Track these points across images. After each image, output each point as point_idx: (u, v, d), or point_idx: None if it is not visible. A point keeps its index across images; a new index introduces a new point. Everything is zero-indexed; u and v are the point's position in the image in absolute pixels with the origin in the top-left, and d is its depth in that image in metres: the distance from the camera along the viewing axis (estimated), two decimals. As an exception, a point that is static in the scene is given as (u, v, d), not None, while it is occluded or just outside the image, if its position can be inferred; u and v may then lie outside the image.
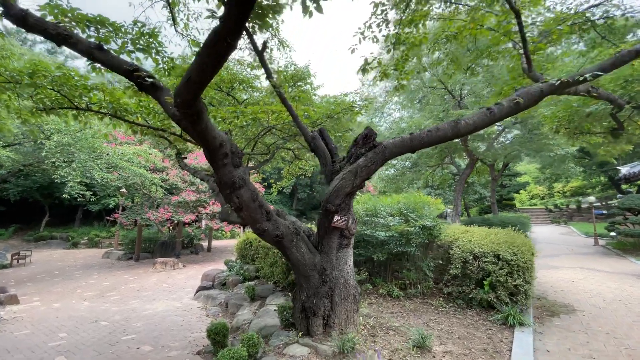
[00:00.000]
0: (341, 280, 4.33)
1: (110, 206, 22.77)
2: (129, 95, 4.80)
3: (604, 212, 25.38)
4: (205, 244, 20.08)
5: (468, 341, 4.11)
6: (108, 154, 12.45)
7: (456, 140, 18.38)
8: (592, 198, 17.54)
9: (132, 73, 3.52)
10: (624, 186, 26.11)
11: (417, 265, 6.00)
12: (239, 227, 17.10)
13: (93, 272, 13.24)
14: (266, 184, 31.03)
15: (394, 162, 18.76)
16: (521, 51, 5.86)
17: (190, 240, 18.30)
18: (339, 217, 4.22)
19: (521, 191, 43.80)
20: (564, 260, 11.76)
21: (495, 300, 5.03)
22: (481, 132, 14.75)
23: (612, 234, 18.62)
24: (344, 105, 6.72)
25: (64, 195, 10.52)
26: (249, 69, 8.11)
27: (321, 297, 4.19)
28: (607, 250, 14.74)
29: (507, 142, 17.59)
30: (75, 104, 5.30)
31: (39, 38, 28.06)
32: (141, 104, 5.48)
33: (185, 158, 9.20)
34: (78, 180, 10.62)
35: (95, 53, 3.48)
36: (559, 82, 3.90)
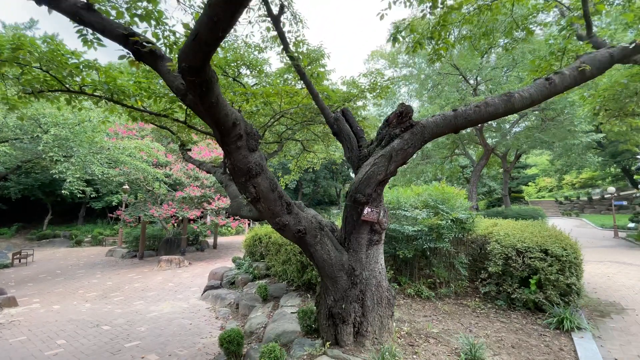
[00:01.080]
0: (373, 281, 3.76)
1: (114, 203, 22.44)
2: (126, 71, 4.21)
3: (624, 202, 24.58)
4: (210, 240, 19.61)
5: (524, 351, 3.53)
6: (109, 148, 11.92)
7: (469, 129, 17.61)
8: (611, 189, 16.82)
9: (127, 38, 2.94)
10: (636, 177, 25.30)
11: (449, 263, 5.42)
12: (245, 223, 16.59)
13: (96, 271, 12.79)
14: (271, 179, 30.47)
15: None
16: (563, 22, 5.22)
17: (196, 237, 17.82)
18: (369, 209, 3.64)
19: (530, 183, 42.99)
20: (589, 253, 11.13)
21: (544, 301, 4.44)
22: (495, 122, 13.98)
23: (631, 225, 17.93)
24: (360, 88, 6.11)
25: (63, 192, 10.03)
26: (256, 52, 7.50)
27: (351, 302, 3.63)
28: (630, 242, 14.08)
29: (519, 130, 16.93)
30: (67, 86, 4.72)
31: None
32: (141, 85, 4.90)
33: (190, 150, 8.66)
34: (77, 175, 10.10)
35: (82, 14, 2.89)
36: (633, 45, 3.28)
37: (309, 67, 6.13)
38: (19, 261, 15.04)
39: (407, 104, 3.70)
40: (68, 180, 9.89)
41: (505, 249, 4.81)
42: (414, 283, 5.58)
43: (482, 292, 5.07)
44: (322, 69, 6.91)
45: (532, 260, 4.53)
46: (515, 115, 14.07)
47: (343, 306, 3.60)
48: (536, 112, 14.26)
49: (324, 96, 5.40)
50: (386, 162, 3.54)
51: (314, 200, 41.97)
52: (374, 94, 6.10)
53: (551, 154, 34.32)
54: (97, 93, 4.83)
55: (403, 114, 3.63)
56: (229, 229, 21.93)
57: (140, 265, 13.84)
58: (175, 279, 10.90)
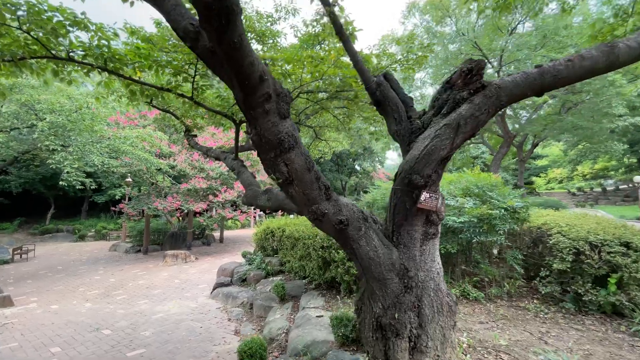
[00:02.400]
0: (430, 284, 3.02)
1: (117, 197, 21.76)
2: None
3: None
4: (216, 234, 19.00)
5: (628, 371, 2.79)
6: (109, 138, 11.21)
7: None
8: (638, 178, 15.91)
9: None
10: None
11: (500, 259, 4.68)
12: (254, 216, 15.92)
13: (99, 267, 12.19)
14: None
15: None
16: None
17: (202, 230, 17.20)
18: (427, 195, 2.89)
19: (541, 174, 41.97)
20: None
21: (626, 303, 3.69)
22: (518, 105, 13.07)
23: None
24: (393, 58, 5.29)
25: (60, 183, 9.37)
26: (268, 24, 6.71)
27: (405, 310, 2.89)
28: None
29: (535, 117, 15.97)
30: (54, 52, 3.97)
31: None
32: (140, 52, 4.13)
33: (196, 136, 7.94)
34: (76, 166, 9.41)
35: None
36: None
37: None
38: (20, 257, 14.50)
39: (475, 59, 2.91)
40: (66, 171, 9.21)
41: (574, 242, 4.04)
42: (457, 282, 4.84)
43: (543, 292, 4.33)
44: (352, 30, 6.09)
45: (612, 255, 3.76)
46: (540, 100, 13.14)
47: (396, 315, 2.87)
48: (557, 96, 13.32)
49: (352, 68, 4.61)
50: (452, 133, 2.77)
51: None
52: (406, 65, 5.30)
53: (564, 143, 33.22)
54: (88, 60, 4.09)
55: (472, 72, 2.85)
56: (237, 222, 21.34)
57: (145, 261, 13.23)
58: (181, 275, 10.26)
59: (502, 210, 4.42)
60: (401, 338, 2.88)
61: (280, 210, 5.00)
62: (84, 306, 7.36)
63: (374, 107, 6.34)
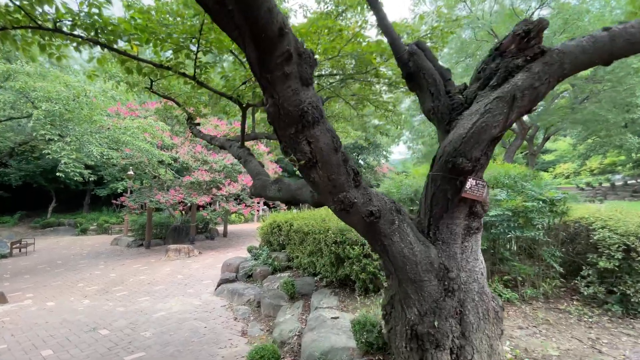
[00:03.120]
0: (474, 287, 2.59)
1: (119, 190, 21.48)
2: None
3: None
4: (220, 228, 18.65)
5: None
6: (109, 128, 10.78)
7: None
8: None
9: None
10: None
11: (536, 255, 4.23)
12: (257, 210, 15.52)
13: (99, 262, 11.86)
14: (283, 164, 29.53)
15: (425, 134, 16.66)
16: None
17: (205, 224, 16.84)
18: (473, 182, 2.43)
19: (549, 169, 41.32)
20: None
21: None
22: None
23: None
24: (417, 34, 4.79)
25: (57, 174, 8.99)
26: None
27: (446, 317, 2.46)
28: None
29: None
30: (39, 23, 3.52)
31: None
32: (136, 23, 3.67)
33: (199, 124, 7.50)
34: (73, 156, 9.00)
35: None
36: None
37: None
38: (19, 250, 14.21)
39: (533, 20, 2.43)
40: (63, 162, 8.81)
41: (624, 238, 3.59)
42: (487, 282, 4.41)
43: (586, 293, 3.88)
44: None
45: (673, 253, 3.32)
46: (561, 88, 12.54)
47: (435, 323, 2.44)
48: (577, 84, 12.74)
49: (372, 42, 4.13)
50: (505, 107, 2.31)
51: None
52: (431, 43, 4.81)
53: (574, 137, 32.51)
54: (78, 32, 3.63)
55: (529, 35, 2.37)
56: (242, 215, 20.99)
57: (147, 255, 12.89)
58: (184, 271, 9.90)
59: (540, 203, 3.96)
60: (442, 350, 2.45)
61: (287, 204, 4.59)
62: (82, 303, 7.01)
63: (393, 89, 5.87)
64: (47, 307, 6.81)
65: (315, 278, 6.44)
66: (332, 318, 4.30)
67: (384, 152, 37.26)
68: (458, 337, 2.50)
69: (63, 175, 9.03)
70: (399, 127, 9.02)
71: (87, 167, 11.28)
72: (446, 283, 2.52)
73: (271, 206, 17.00)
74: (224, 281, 7.66)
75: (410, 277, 2.54)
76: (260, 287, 7.16)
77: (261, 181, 4.51)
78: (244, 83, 4.73)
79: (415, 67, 2.88)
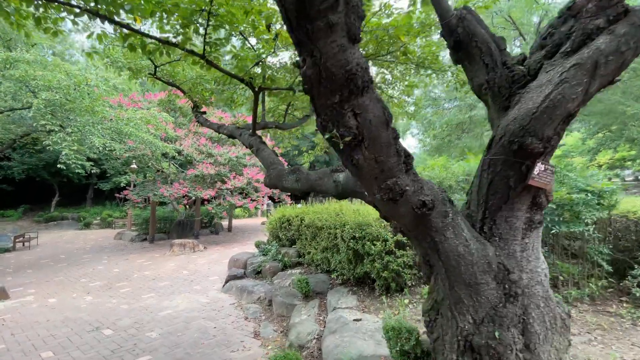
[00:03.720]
0: (538, 291, 2.20)
1: (122, 184, 21.24)
2: None
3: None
4: (224, 223, 18.37)
5: None
6: (111, 119, 10.42)
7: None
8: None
9: None
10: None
11: (580, 254, 3.84)
12: (263, 204, 15.19)
13: (103, 256, 11.59)
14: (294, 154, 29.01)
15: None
16: None
17: (210, 219, 16.55)
18: (542, 167, 2.05)
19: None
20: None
21: None
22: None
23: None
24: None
25: (58, 166, 8.66)
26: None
27: (507, 327, 2.09)
28: None
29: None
30: (29, -10, 3.14)
31: None
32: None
33: (204, 113, 7.15)
34: (75, 148, 8.66)
35: None
36: None
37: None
38: (22, 245, 13.98)
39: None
40: (64, 153, 8.47)
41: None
42: (522, 281, 4.04)
43: (638, 295, 3.50)
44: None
45: None
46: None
47: (496, 334, 2.07)
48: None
49: (403, 14, 3.71)
50: (586, 76, 1.91)
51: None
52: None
53: (585, 131, 31.81)
54: (75, 1, 3.26)
55: (613, -12, 1.97)
56: (247, 210, 20.73)
57: (151, 250, 12.61)
58: (190, 266, 9.59)
59: (588, 195, 3.56)
60: (503, 365, 2.09)
61: (304, 196, 4.20)
62: (85, 300, 6.71)
63: (420, 72, 5.42)
64: (49, 304, 6.52)
65: (330, 275, 6.09)
66: (354, 320, 3.94)
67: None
68: (521, 349, 2.12)
69: (64, 167, 8.71)
70: (411, 118, 8.60)
71: (89, 159, 10.99)
72: (506, 286, 2.14)
73: (276, 200, 16.66)
74: (232, 277, 7.33)
75: (465, 279, 2.16)
76: (270, 284, 6.83)
77: (276, 171, 4.15)
78: (256, 63, 4.33)
79: (465, 34, 2.47)
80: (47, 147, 8.66)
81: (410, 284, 4.65)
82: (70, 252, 12.67)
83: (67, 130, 8.87)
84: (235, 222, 21.26)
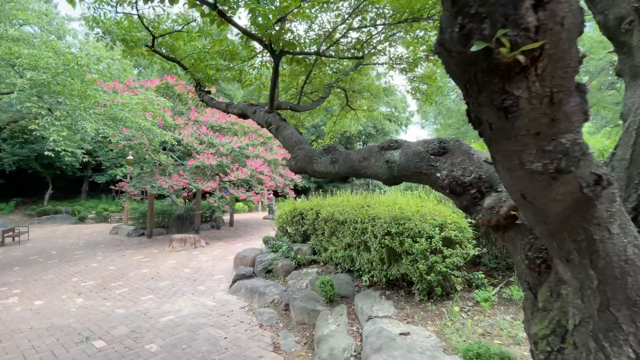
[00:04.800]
0: None
1: (118, 177, 20.42)
2: None
3: None
4: (226, 217, 17.62)
5: None
6: (105, 105, 9.59)
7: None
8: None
9: None
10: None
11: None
12: (268, 197, 14.44)
13: (97, 252, 10.83)
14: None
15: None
16: None
17: (212, 213, 15.79)
18: None
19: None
20: None
21: None
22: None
23: None
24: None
25: (46, 153, 7.86)
26: None
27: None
28: None
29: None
30: None
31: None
32: None
33: (209, 92, 6.39)
34: (64, 133, 7.84)
35: None
36: None
37: None
38: (12, 239, 13.17)
39: None
40: (52, 139, 7.66)
41: None
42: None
43: None
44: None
45: None
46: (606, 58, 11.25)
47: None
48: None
49: None
50: None
51: (327, 178, 39.84)
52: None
53: (591, 125, 31.22)
54: None
55: None
56: (248, 204, 20.01)
57: (149, 245, 11.86)
58: (192, 263, 8.85)
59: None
60: None
61: (339, 181, 3.44)
62: (75, 302, 5.96)
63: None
64: (34, 307, 5.77)
65: (352, 275, 5.37)
66: (400, 334, 3.22)
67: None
68: None
69: (52, 155, 7.89)
70: (433, 103, 7.85)
71: (82, 151, 10.17)
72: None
73: (279, 194, 15.91)
74: (240, 277, 6.60)
75: (630, 295, 1.41)
76: (283, 284, 6.11)
77: (304, 151, 3.38)
78: (279, 20, 3.55)
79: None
80: (34, 133, 7.84)
81: (459, 289, 3.93)
82: (63, 247, 11.88)
83: (56, 114, 8.04)
84: (236, 216, 20.54)
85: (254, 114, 4.53)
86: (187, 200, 16.29)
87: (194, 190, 13.53)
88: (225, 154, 12.73)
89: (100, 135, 8.59)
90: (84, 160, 8.56)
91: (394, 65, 7.16)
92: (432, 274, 3.78)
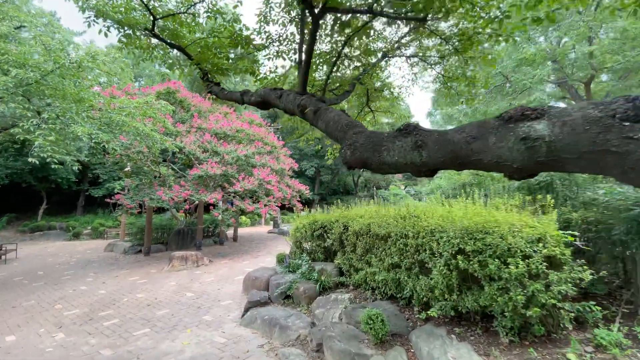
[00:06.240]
0: None
1: (116, 190, 19.39)
2: None
3: None
4: (229, 232, 16.49)
5: None
6: (100, 109, 8.68)
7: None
8: None
9: None
10: None
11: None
12: (275, 211, 13.34)
13: (89, 272, 9.69)
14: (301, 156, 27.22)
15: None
16: None
17: (215, 227, 14.70)
18: None
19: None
20: None
21: None
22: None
23: None
24: None
25: (30, 159, 6.87)
26: None
27: None
28: None
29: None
30: None
31: None
32: None
33: (219, 84, 5.48)
34: (52, 138, 6.88)
35: None
36: None
37: None
38: (-2, 258, 12.04)
39: None
40: (36, 144, 6.69)
41: None
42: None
43: None
44: None
45: None
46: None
47: None
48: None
49: None
50: None
51: (330, 190, 38.95)
52: None
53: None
54: None
55: None
56: (258, 216, 19.03)
57: (146, 264, 10.73)
58: (194, 285, 7.73)
59: None
60: None
61: (429, 175, 2.41)
62: (53, 339, 4.84)
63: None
64: (3, 346, 4.65)
65: (398, 304, 4.30)
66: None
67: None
68: None
69: (37, 162, 6.89)
70: (488, 86, 6.88)
71: (81, 166, 9.19)
72: None
73: (285, 206, 14.86)
74: (253, 304, 5.50)
75: None
76: (308, 314, 5.02)
77: (365, 136, 2.38)
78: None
79: None
80: (17, 137, 6.88)
81: (569, 327, 2.87)
82: (51, 267, 10.75)
83: (43, 117, 7.10)
84: (239, 230, 19.39)
85: (279, 99, 3.57)
86: (188, 214, 15.22)
87: (196, 202, 12.49)
88: (230, 162, 11.75)
89: (94, 141, 7.60)
90: (75, 168, 7.56)
91: (424, 59, 6.28)
92: (534, 308, 2.73)
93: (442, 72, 6.30)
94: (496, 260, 2.95)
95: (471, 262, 3.09)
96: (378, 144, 2.21)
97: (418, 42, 5.32)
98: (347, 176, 40.25)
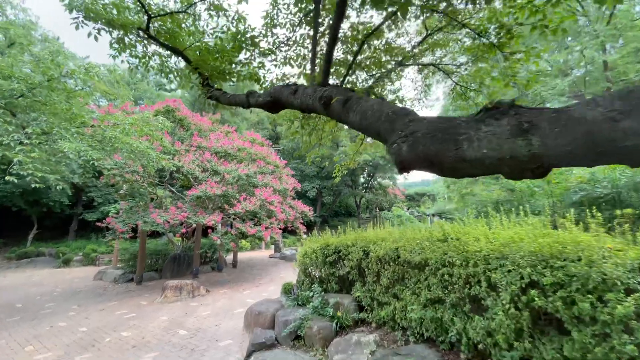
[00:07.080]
0: None
1: (111, 214, 18.57)
2: None
3: None
4: (228, 257, 15.53)
5: None
6: (93, 125, 8.11)
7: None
8: None
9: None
10: None
11: None
12: (278, 234, 12.49)
13: (72, 305, 8.73)
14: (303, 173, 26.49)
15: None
16: None
17: (213, 252, 13.80)
18: None
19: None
20: None
21: None
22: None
23: None
24: None
25: (7, 178, 6.16)
26: None
27: None
28: None
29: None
30: None
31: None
32: None
33: (219, 89, 4.89)
34: (34, 155, 6.22)
35: None
36: None
37: None
38: (-25, 289, 11.05)
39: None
40: (16, 160, 6.03)
41: None
42: None
43: None
44: None
45: None
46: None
47: None
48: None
49: None
50: None
51: (331, 212, 38.12)
52: None
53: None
54: None
55: None
56: (261, 239, 18.11)
57: (137, 294, 9.77)
58: (189, 321, 6.81)
59: None
60: None
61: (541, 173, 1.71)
62: (12, 395, 3.94)
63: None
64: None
65: (438, 349, 3.47)
66: None
67: (389, 174, 34.61)
68: None
69: (15, 180, 6.19)
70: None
71: (74, 186, 8.53)
72: None
73: (289, 228, 14.03)
74: (257, 347, 4.63)
75: None
76: (323, 358, 4.15)
77: (427, 122, 1.61)
78: None
79: None
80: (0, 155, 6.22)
81: None
82: (32, 299, 9.77)
83: (27, 131, 6.48)
84: (239, 255, 18.38)
85: (293, 95, 2.93)
86: (185, 238, 14.35)
87: (194, 225, 11.70)
88: (231, 182, 11.07)
89: (82, 159, 6.94)
90: (58, 187, 6.85)
91: (439, 67, 5.77)
92: (656, 368, 1.95)
93: (459, 82, 5.76)
94: (587, 295, 2.21)
95: (550, 299, 2.34)
96: (452, 133, 1.53)
97: (444, 36, 4.79)
98: (348, 197, 39.41)
